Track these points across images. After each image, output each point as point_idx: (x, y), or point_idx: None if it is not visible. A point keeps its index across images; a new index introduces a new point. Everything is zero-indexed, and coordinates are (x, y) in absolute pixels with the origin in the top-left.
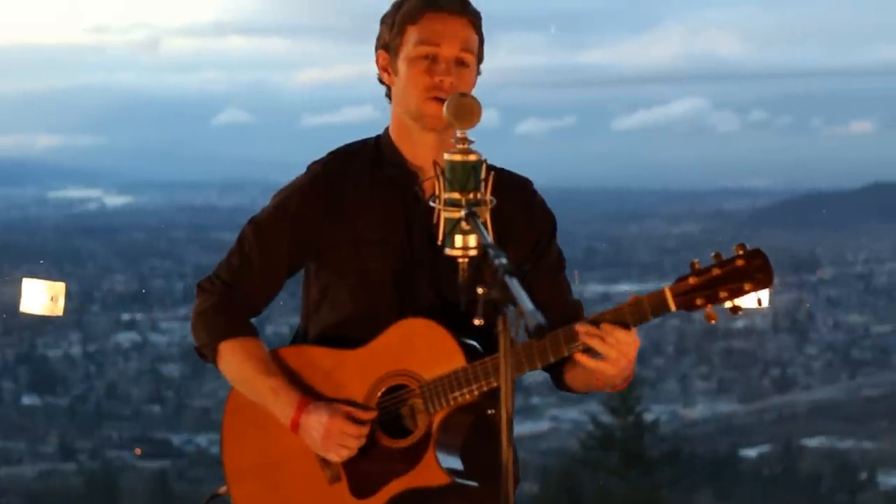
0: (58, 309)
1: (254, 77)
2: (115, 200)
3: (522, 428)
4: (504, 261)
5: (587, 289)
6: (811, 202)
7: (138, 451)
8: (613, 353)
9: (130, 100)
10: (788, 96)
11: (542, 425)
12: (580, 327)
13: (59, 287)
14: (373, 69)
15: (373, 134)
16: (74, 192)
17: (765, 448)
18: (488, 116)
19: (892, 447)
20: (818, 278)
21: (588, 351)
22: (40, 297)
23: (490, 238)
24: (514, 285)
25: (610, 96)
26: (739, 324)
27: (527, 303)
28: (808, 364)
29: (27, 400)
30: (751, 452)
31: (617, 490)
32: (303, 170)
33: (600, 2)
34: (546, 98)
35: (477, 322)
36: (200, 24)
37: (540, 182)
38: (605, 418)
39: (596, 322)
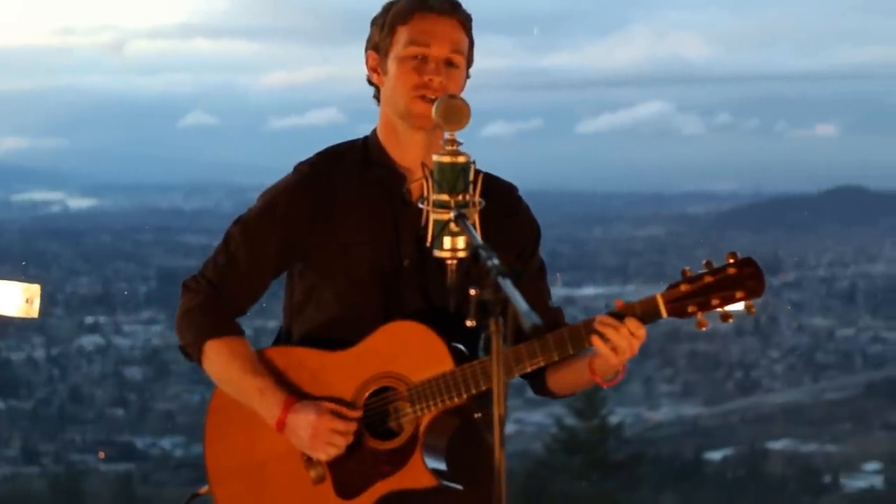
0: (33, 311)
1: (220, 79)
2: (79, 203)
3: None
4: (496, 262)
5: (553, 292)
6: (775, 205)
7: (102, 454)
8: (624, 343)
9: (96, 102)
10: (754, 99)
11: (508, 428)
12: (600, 317)
13: (35, 289)
14: (340, 72)
15: (338, 136)
16: (38, 195)
17: (729, 451)
18: None
19: (856, 450)
20: (781, 282)
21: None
22: (15, 298)
23: (479, 239)
24: (508, 286)
25: (576, 99)
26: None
27: (521, 303)
28: (771, 367)
29: None
30: (715, 455)
31: (581, 493)
32: (268, 172)
33: (567, 4)
34: (512, 100)
35: (469, 323)
36: (167, 26)
37: None
38: (570, 421)
39: (590, 322)
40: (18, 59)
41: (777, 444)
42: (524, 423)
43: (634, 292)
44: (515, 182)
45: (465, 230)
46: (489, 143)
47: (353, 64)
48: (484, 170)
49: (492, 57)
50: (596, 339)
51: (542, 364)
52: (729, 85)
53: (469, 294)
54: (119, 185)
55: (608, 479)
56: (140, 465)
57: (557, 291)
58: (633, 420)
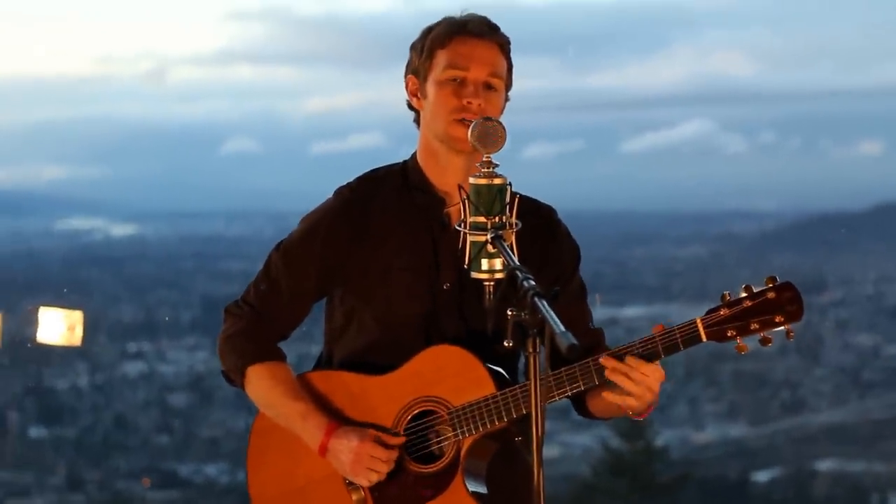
0: (75, 338)
1: (260, 105)
2: (120, 230)
3: None
4: (533, 282)
5: (595, 312)
6: (819, 223)
7: (147, 481)
8: (639, 389)
9: (136, 129)
10: (797, 117)
11: (553, 450)
12: (606, 362)
13: (77, 316)
14: (380, 96)
15: (380, 160)
16: (80, 223)
17: (776, 471)
18: None
19: None
20: (827, 300)
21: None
22: (58, 326)
23: (516, 260)
24: (544, 307)
25: (618, 119)
26: (748, 346)
27: (558, 324)
28: (817, 386)
29: (34, 432)
30: (762, 476)
31: None
32: (310, 197)
33: (608, 25)
34: (554, 121)
35: (507, 344)
36: (206, 53)
37: None
38: (615, 443)
39: (622, 355)
40: (58, 88)
41: (824, 464)
42: (570, 445)
43: (677, 312)
44: (557, 203)
45: (501, 252)
46: (531, 165)
47: (393, 88)
48: (525, 192)
49: (533, 78)
50: (608, 395)
51: (582, 389)
52: (772, 103)
53: (507, 316)
54: (160, 212)
55: (654, 501)
56: (185, 492)
57: (598, 312)
58: (678, 442)
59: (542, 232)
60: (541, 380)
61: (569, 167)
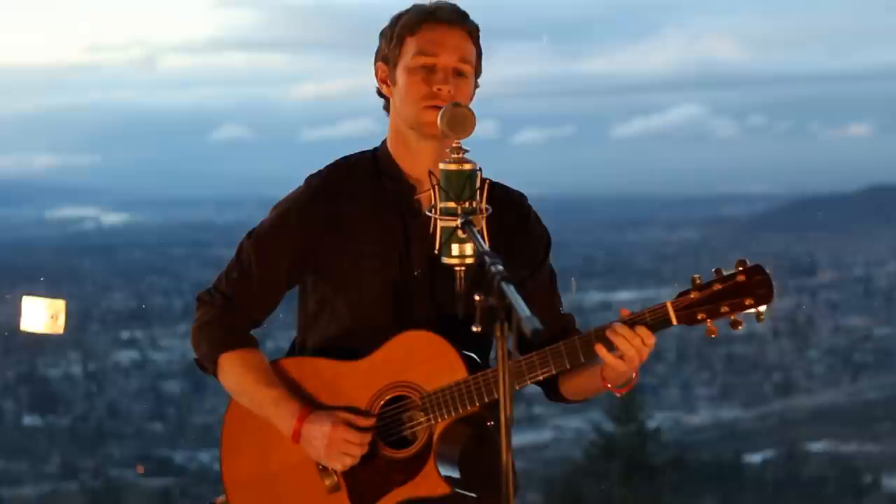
0: (58, 327)
1: (251, 92)
2: (112, 219)
3: (524, 438)
4: (500, 267)
5: (587, 297)
6: (809, 206)
7: (141, 469)
8: (633, 351)
9: (127, 117)
10: (787, 101)
11: (545, 434)
12: (612, 325)
13: (60, 304)
14: (370, 82)
15: (372, 146)
16: (71, 211)
17: (768, 453)
18: (486, 127)
19: None
20: (817, 282)
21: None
22: (40, 315)
23: (486, 246)
24: (510, 291)
25: (608, 104)
26: (739, 329)
27: (523, 308)
28: (809, 368)
29: (28, 420)
30: (754, 458)
31: (620, 498)
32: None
33: (598, 10)
34: (545, 107)
35: (475, 329)
36: (197, 40)
37: (538, 191)
38: (608, 426)
39: (601, 329)
40: (48, 77)
41: (817, 446)
42: (562, 429)
43: (669, 296)
44: (548, 188)
45: (471, 237)
46: (522, 150)
47: None
48: (517, 177)
49: (523, 64)
50: (600, 348)
51: (553, 373)
52: (762, 87)
53: (475, 301)
54: (151, 199)
55: (647, 483)
56: (179, 480)
57: (591, 297)
58: (671, 424)
59: (512, 218)
60: (512, 364)
61: (560, 152)
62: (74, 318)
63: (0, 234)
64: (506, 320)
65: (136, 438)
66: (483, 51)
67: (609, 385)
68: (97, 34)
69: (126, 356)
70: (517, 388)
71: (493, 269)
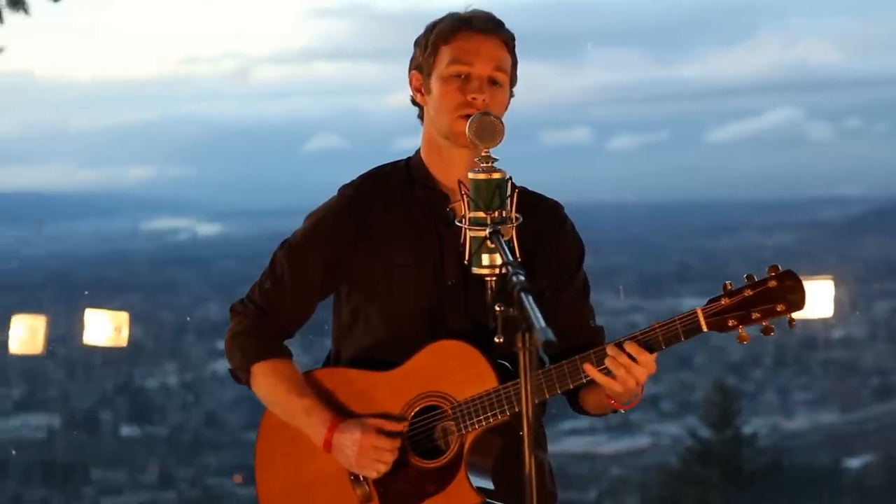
0: (121, 339)
1: (343, 102)
2: (206, 230)
3: (621, 444)
4: (521, 277)
5: (683, 303)
6: None
7: (238, 478)
8: (621, 371)
9: (221, 129)
10: (883, 103)
11: (642, 441)
12: (609, 349)
13: (123, 317)
14: None
15: None
16: (166, 223)
17: (867, 458)
18: (580, 134)
19: None
20: None
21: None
22: (104, 327)
23: (510, 256)
24: (528, 302)
25: (703, 109)
26: (837, 334)
27: (538, 319)
28: None
29: (126, 430)
30: (853, 463)
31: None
32: None
33: (692, 14)
34: (639, 113)
35: (497, 340)
36: (289, 51)
37: (632, 197)
38: (705, 432)
39: (621, 343)
40: (143, 89)
41: None
42: (660, 435)
43: None
44: (641, 194)
45: (497, 247)
46: (616, 156)
47: None
48: (610, 182)
49: (617, 70)
50: (588, 368)
51: (571, 387)
52: (858, 90)
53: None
54: (245, 210)
55: (744, 489)
56: None
57: (687, 302)
58: (768, 430)
59: (547, 227)
60: (535, 375)
61: (654, 158)
62: (170, 329)
63: (95, 247)
64: (527, 331)
65: (233, 447)
66: (571, 58)
67: (613, 402)
68: (192, 47)
69: (222, 366)
70: (545, 397)
71: (514, 279)
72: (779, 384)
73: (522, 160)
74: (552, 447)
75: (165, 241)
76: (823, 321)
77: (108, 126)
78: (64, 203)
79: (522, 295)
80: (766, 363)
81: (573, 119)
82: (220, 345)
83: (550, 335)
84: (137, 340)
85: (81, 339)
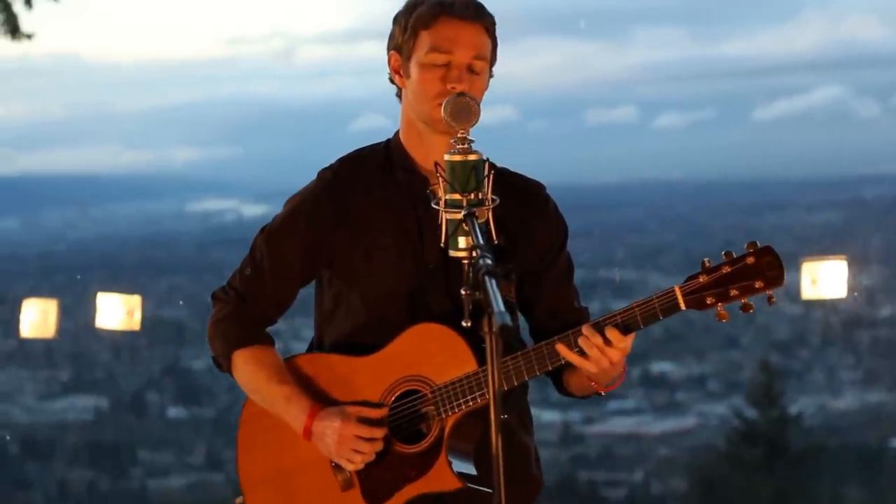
0: (134, 323)
1: (389, 82)
2: (252, 210)
3: (667, 424)
4: (488, 261)
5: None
6: None
7: None
8: (594, 352)
9: (266, 109)
10: None
11: (688, 421)
12: (585, 330)
13: (135, 301)
14: (506, 71)
15: (512, 134)
16: (212, 204)
17: None
18: (626, 112)
19: None
20: None
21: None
22: (116, 311)
23: (481, 239)
24: (491, 286)
25: (750, 87)
26: (885, 312)
27: (498, 303)
28: None
29: (173, 412)
30: None
31: (764, 484)
32: None
33: None
34: (686, 91)
35: (465, 324)
36: (334, 31)
37: (678, 176)
38: (751, 413)
39: (597, 323)
40: (189, 70)
41: None
42: (706, 415)
43: None
44: (688, 172)
45: (470, 229)
46: (663, 134)
47: (523, 63)
48: (656, 161)
49: (663, 48)
50: (561, 348)
51: (550, 369)
52: None
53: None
54: (290, 191)
55: (790, 469)
56: None
57: None
58: (815, 410)
59: (529, 208)
60: (514, 357)
61: (701, 136)
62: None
63: (141, 228)
64: (492, 315)
65: None
66: (617, 36)
67: (593, 383)
68: (237, 27)
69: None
70: (524, 379)
71: (479, 262)
72: (826, 363)
73: (568, 138)
74: (599, 427)
75: (211, 223)
76: (868, 300)
77: (154, 107)
78: (110, 185)
79: (486, 279)
80: (813, 342)
81: (619, 97)
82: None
83: (508, 320)
84: (184, 322)
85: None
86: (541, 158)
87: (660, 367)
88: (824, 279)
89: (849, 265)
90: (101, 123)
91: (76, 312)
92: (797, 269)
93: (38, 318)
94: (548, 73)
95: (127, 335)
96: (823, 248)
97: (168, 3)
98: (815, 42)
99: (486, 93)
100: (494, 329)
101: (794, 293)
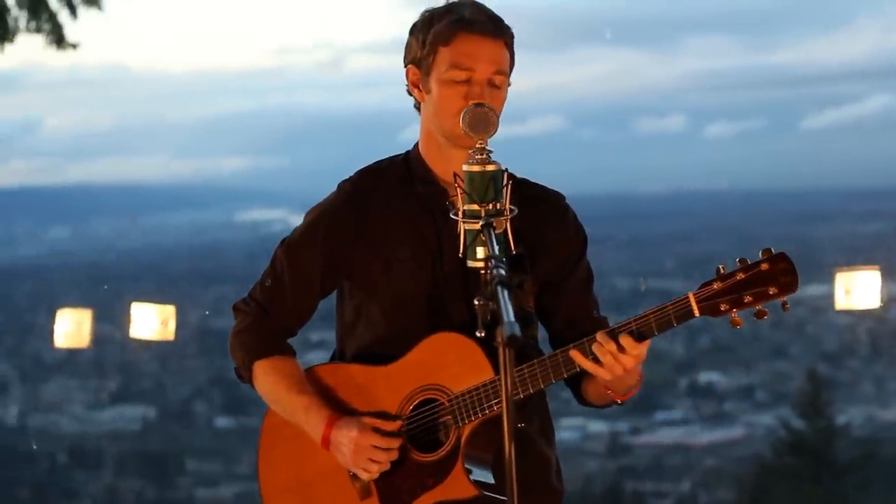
0: (168, 333)
1: None
2: (300, 220)
3: (715, 435)
4: (501, 271)
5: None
6: None
7: None
8: (608, 359)
9: (314, 119)
10: None
11: (736, 431)
12: (600, 336)
13: (169, 311)
14: (558, 80)
15: (562, 143)
16: (260, 213)
17: None
18: (675, 121)
19: None
20: None
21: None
22: (150, 321)
23: (496, 249)
24: (503, 296)
25: (800, 95)
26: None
27: (508, 313)
28: None
29: (221, 422)
30: None
31: (811, 495)
32: None
33: (788, 0)
34: (735, 100)
35: (479, 334)
36: (382, 41)
37: (727, 185)
38: (798, 423)
39: (614, 331)
40: (237, 80)
41: None
42: (754, 425)
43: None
44: (738, 182)
45: (487, 240)
46: (712, 144)
47: (572, 71)
48: (706, 170)
49: (712, 57)
50: (575, 355)
51: (566, 376)
52: None
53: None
54: None
55: (838, 480)
56: None
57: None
58: (863, 420)
59: (549, 218)
60: (530, 366)
61: (750, 145)
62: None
63: (190, 238)
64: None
65: None
66: (666, 45)
67: (609, 392)
68: (284, 37)
69: (316, 357)
70: (540, 387)
71: (493, 272)
72: (875, 374)
73: (617, 147)
74: (647, 438)
75: (259, 232)
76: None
77: (202, 117)
78: (159, 195)
79: (499, 289)
80: (861, 352)
81: (668, 106)
82: (315, 335)
83: (516, 330)
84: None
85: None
86: (590, 167)
87: (707, 377)
88: (858, 289)
89: (882, 276)
90: (150, 133)
91: (123, 322)
92: (832, 280)
93: (72, 328)
94: (598, 82)
95: (175, 345)
96: (871, 259)
97: (215, 14)
98: (867, 50)
99: (527, 101)
100: (504, 339)
101: (839, 303)
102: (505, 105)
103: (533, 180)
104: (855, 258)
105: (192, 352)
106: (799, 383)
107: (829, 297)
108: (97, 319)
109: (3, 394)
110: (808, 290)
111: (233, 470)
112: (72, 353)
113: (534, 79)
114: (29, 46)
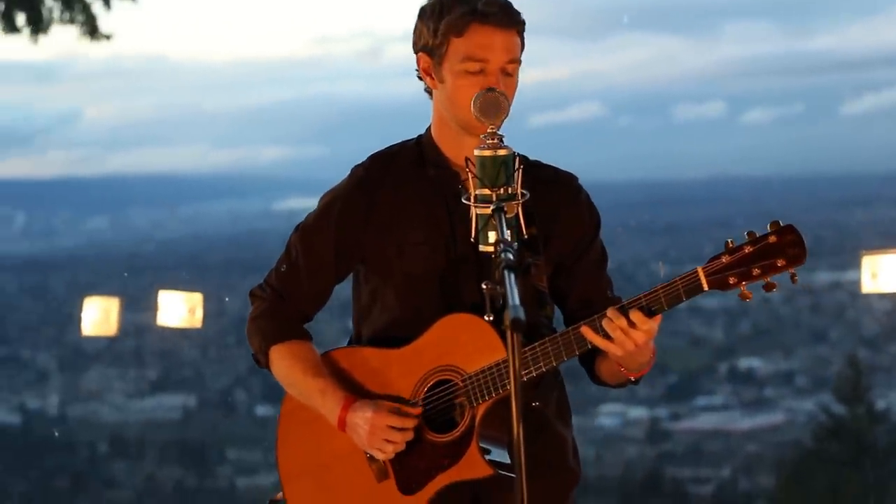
0: (196, 320)
1: None
2: None
3: (756, 420)
4: (509, 255)
5: (817, 277)
6: None
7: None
8: (618, 334)
9: (353, 108)
10: None
11: (776, 417)
12: (610, 313)
13: (197, 298)
14: (596, 66)
15: (600, 130)
16: (299, 203)
17: None
18: (714, 107)
19: None
20: None
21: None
22: (178, 309)
23: (505, 233)
24: (509, 279)
25: (838, 81)
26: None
27: (514, 297)
28: None
29: (261, 410)
30: None
31: (851, 480)
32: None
33: None
34: (773, 86)
35: (487, 318)
36: None
37: (765, 170)
38: (838, 409)
39: (624, 307)
40: (276, 70)
41: None
42: (794, 411)
43: None
44: (776, 167)
45: (497, 224)
46: (750, 129)
47: (611, 58)
48: (743, 155)
49: (750, 43)
50: (586, 331)
51: (577, 354)
52: None
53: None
54: None
55: (878, 466)
56: None
57: (823, 277)
58: None
59: (562, 199)
60: (542, 344)
61: (788, 131)
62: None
63: (228, 227)
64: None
65: None
66: (705, 31)
67: (623, 369)
68: (324, 26)
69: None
70: (553, 365)
71: (501, 256)
72: None
73: (656, 134)
74: (687, 423)
75: (297, 222)
76: None
77: (242, 107)
78: (198, 185)
79: (506, 273)
80: None
81: (707, 92)
82: (350, 323)
83: (521, 314)
84: None
85: (155, 320)
86: (628, 154)
87: (748, 362)
88: (884, 273)
89: None
90: (189, 123)
91: (153, 310)
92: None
93: (99, 315)
94: (635, 69)
95: (216, 334)
96: None
97: (254, 4)
98: None
99: (565, 89)
100: (508, 323)
101: (866, 286)
102: (542, 93)
103: (546, 162)
104: (893, 242)
105: (231, 341)
106: (839, 368)
107: (858, 283)
108: (128, 308)
109: (43, 383)
110: (847, 275)
111: (273, 458)
112: (112, 342)
113: (572, 66)
114: (63, 38)
